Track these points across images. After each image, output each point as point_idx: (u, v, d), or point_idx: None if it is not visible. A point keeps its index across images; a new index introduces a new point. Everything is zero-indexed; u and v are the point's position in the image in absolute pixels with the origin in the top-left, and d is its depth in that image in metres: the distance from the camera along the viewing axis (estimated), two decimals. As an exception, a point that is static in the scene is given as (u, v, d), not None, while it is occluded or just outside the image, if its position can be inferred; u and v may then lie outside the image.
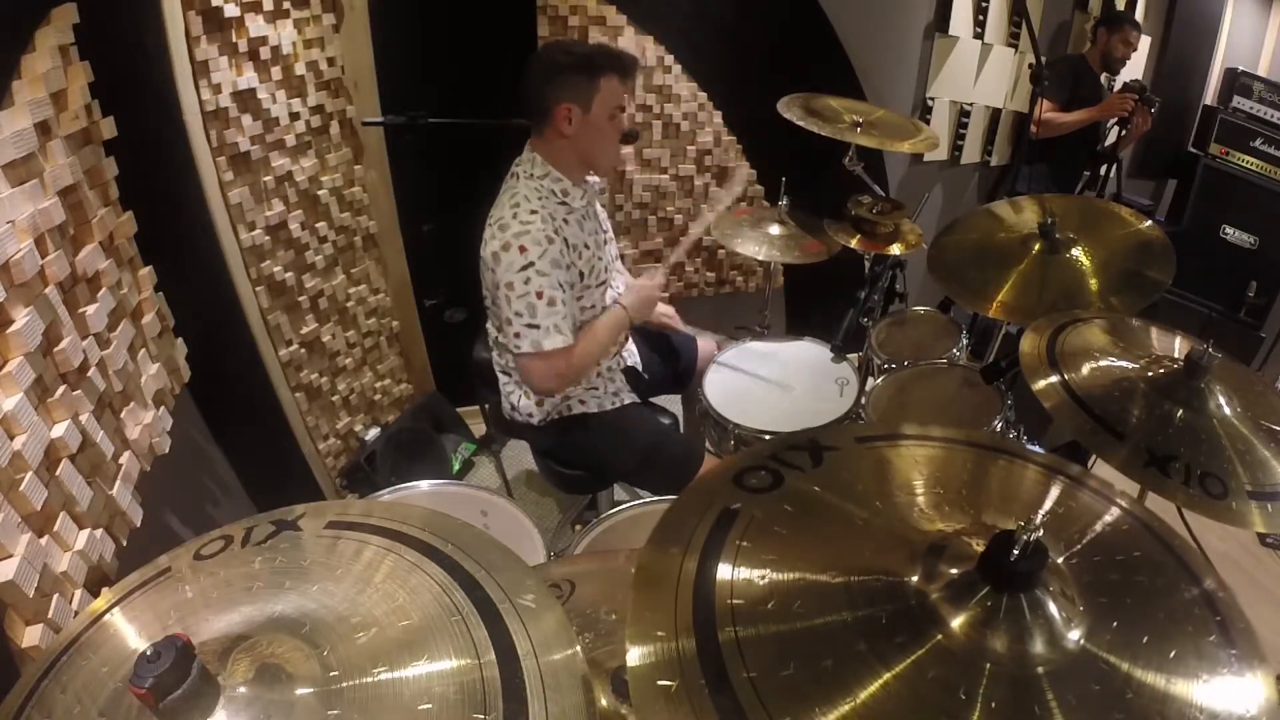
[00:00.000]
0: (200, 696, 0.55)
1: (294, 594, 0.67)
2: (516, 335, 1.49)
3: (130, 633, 0.67)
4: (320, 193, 2.04)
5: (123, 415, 1.17)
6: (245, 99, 1.75)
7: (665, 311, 1.96)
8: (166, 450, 1.28)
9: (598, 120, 1.49)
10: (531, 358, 1.50)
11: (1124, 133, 2.86)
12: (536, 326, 1.47)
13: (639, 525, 1.45)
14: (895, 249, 2.11)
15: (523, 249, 1.44)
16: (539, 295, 1.46)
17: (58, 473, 0.97)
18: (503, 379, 1.75)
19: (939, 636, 0.59)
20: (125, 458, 1.15)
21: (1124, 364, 1.13)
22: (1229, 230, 3.31)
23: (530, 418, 1.71)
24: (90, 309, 1.11)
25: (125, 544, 1.10)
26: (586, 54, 1.48)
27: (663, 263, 1.74)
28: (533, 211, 1.47)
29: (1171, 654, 0.60)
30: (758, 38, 2.47)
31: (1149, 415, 1.03)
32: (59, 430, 0.98)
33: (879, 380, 1.87)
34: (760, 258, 2.16)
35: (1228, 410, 1.04)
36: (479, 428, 2.67)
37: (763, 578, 0.64)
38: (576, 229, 1.57)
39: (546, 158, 1.54)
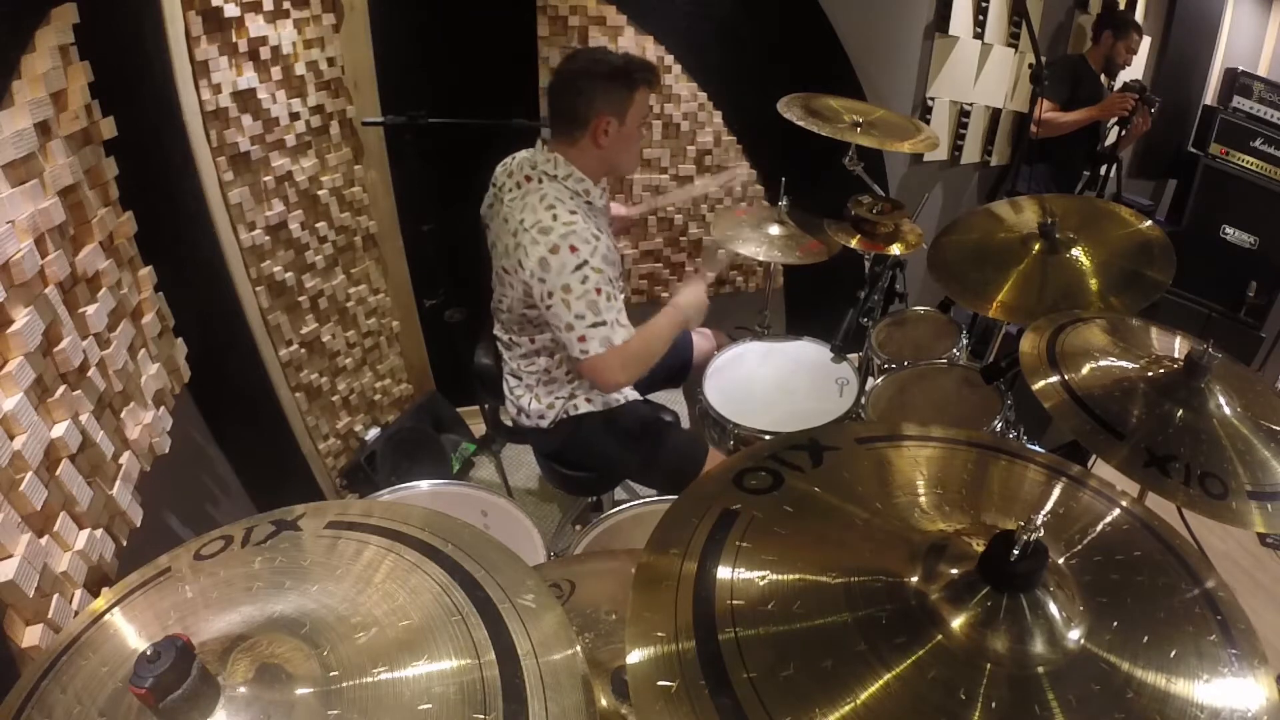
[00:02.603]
0: (200, 696, 0.55)
1: (294, 594, 0.67)
2: (582, 339, 1.45)
3: (130, 633, 0.67)
4: (320, 193, 2.04)
5: (123, 415, 1.17)
6: (245, 99, 1.75)
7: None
8: (166, 450, 1.28)
9: (630, 130, 1.50)
10: (603, 356, 1.46)
11: (1124, 133, 2.86)
12: (603, 323, 1.45)
13: (639, 525, 1.45)
14: (895, 249, 2.11)
15: (573, 249, 1.42)
16: (598, 291, 1.43)
17: (58, 473, 0.97)
18: (512, 382, 1.73)
19: (939, 636, 0.59)
20: (125, 458, 1.15)
21: (1124, 364, 1.13)
22: (1229, 230, 3.31)
23: (541, 420, 1.70)
24: (90, 309, 1.11)
25: (125, 544, 1.09)
26: (623, 66, 1.47)
27: (700, 274, 1.76)
28: (572, 211, 1.46)
29: (1172, 654, 0.60)
30: (757, 38, 2.47)
31: (1149, 415, 1.03)
32: (59, 430, 0.98)
33: (879, 380, 1.87)
34: (760, 258, 2.15)
35: (1228, 410, 1.04)
36: (479, 428, 2.67)
37: (763, 578, 0.64)
38: (603, 224, 1.59)
39: (570, 160, 1.53)
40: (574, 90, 1.47)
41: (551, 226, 1.43)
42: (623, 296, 1.66)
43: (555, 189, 1.50)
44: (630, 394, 1.79)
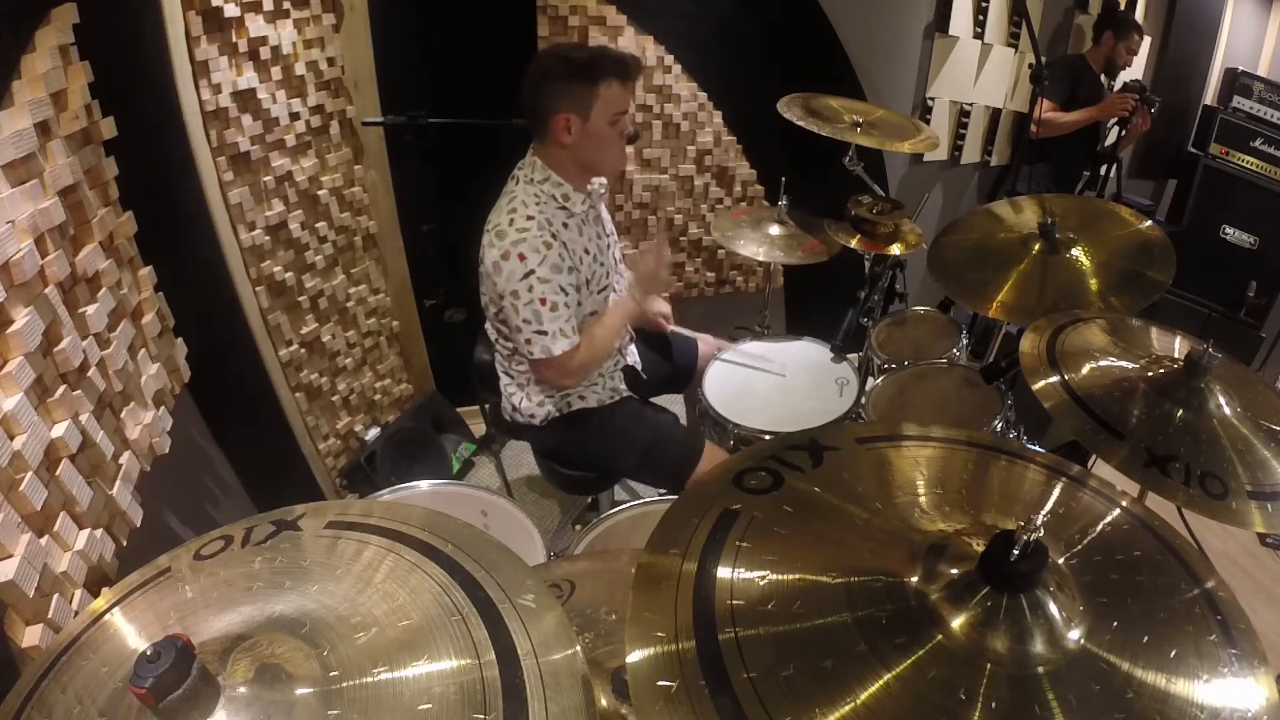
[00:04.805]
0: (200, 696, 0.55)
1: (294, 594, 0.67)
2: (528, 342, 1.49)
3: (130, 633, 0.67)
4: (320, 193, 2.04)
5: (123, 415, 1.17)
6: (245, 99, 1.75)
7: (661, 311, 1.94)
8: (166, 450, 1.28)
9: (598, 127, 1.47)
10: (544, 363, 1.51)
11: (1124, 133, 2.86)
12: (544, 333, 1.47)
13: (639, 525, 1.45)
14: (895, 249, 2.11)
15: (522, 257, 1.44)
16: (543, 302, 1.46)
17: (58, 473, 0.97)
18: (503, 379, 1.75)
19: (939, 637, 0.60)
20: (125, 458, 1.15)
21: (1124, 364, 1.13)
22: (1229, 230, 3.32)
23: (532, 418, 1.71)
24: (90, 309, 1.11)
25: (125, 544, 1.09)
26: (586, 61, 1.44)
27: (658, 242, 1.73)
28: (529, 218, 1.46)
29: (1172, 653, 0.61)
30: (758, 38, 2.47)
31: (1149, 415, 1.03)
32: (59, 430, 0.98)
33: (879, 380, 1.87)
34: (760, 258, 2.15)
35: (1228, 410, 1.04)
36: (479, 428, 2.67)
37: (762, 578, 0.64)
38: (575, 234, 1.56)
39: (547, 163, 1.53)
40: (534, 89, 1.47)
41: (506, 232, 1.45)
42: (604, 296, 1.66)
43: (527, 193, 1.51)
44: (626, 392, 1.79)
